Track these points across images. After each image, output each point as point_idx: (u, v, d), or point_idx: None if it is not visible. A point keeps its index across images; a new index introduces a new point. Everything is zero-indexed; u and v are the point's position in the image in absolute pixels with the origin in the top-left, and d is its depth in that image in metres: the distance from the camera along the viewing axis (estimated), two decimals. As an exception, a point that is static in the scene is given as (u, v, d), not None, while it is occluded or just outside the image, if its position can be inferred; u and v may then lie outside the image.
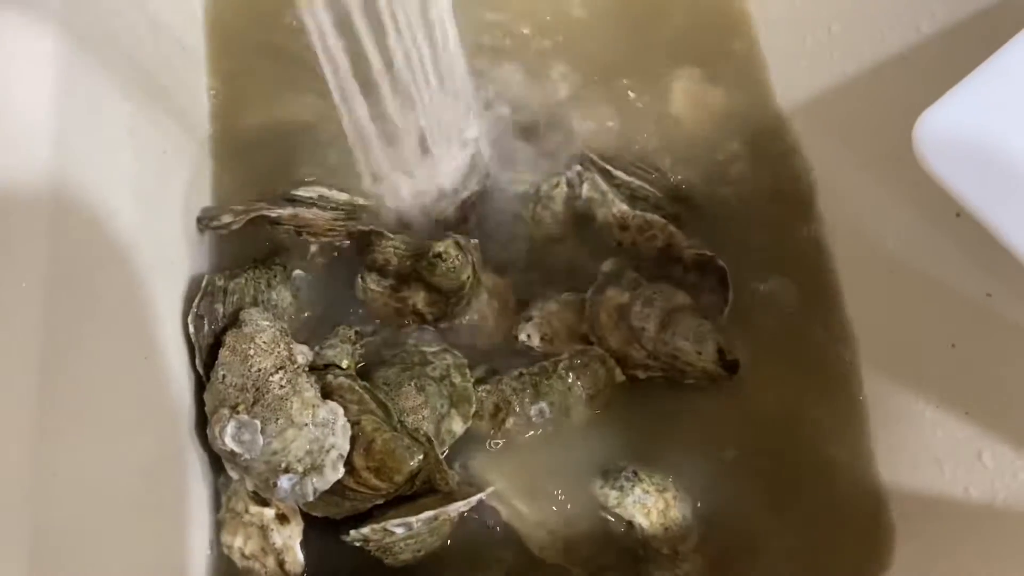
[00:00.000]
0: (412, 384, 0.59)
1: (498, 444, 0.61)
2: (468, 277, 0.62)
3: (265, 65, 0.73)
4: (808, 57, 0.71)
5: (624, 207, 0.68)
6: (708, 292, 0.68)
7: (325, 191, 0.66)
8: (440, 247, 0.61)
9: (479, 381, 0.62)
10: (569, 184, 0.70)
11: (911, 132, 0.55)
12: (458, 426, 0.59)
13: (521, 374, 0.62)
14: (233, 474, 0.55)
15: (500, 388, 0.62)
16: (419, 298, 0.63)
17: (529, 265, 0.69)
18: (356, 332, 0.62)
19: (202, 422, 0.57)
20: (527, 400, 0.62)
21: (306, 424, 0.53)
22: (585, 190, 0.69)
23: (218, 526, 0.57)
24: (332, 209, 0.65)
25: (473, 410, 0.60)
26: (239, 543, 0.55)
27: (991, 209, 0.37)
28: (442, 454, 0.58)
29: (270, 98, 0.72)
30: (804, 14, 0.72)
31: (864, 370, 0.65)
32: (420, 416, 0.58)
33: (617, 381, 0.64)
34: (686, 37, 0.79)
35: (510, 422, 0.61)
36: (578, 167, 0.70)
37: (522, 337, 0.65)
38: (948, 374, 0.58)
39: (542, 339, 0.65)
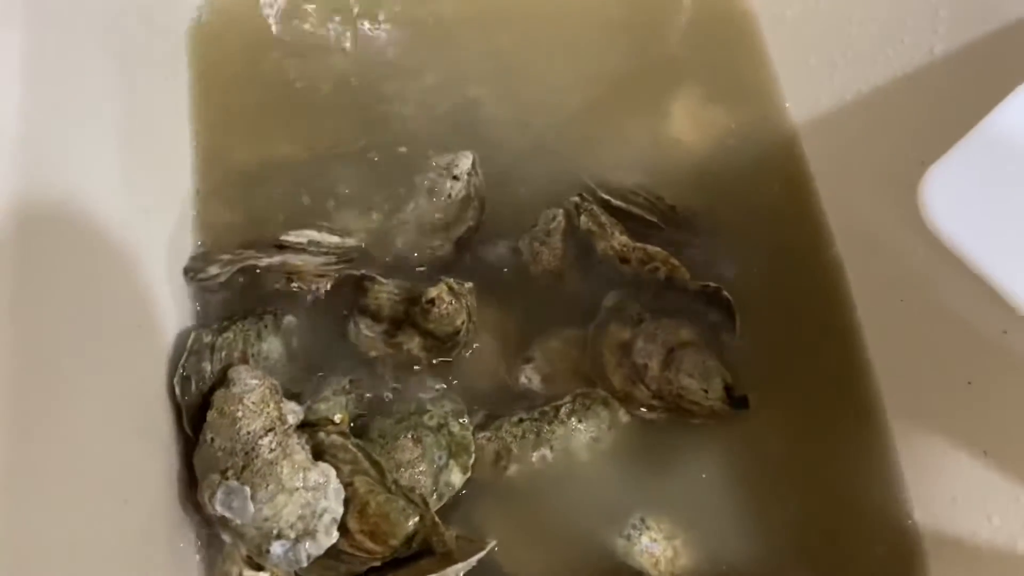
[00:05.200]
0: (408, 436, 0.57)
1: (499, 493, 0.59)
2: (463, 322, 0.60)
3: (252, 103, 0.71)
4: (814, 76, 0.69)
5: (624, 239, 0.66)
6: (714, 323, 0.65)
7: (315, 235, 0.64)
8: (433, 293, 0.59)
9: (478, 428, 0.60)
10: (567, 216, 0.67)
11: (914, 158, 0.53)
12: (457, 478, 0.58)
13: (522, 419, 0.60)
14: (226, 538, 0.53)
15: (500, 435, 0.60)
16: (414, 344, 0.61)
17: (528, 301, 0.66)
18: (350, 381, 0.61)
19: (194, 483, 0.55)
20: (529, 447, 0.60)
21: (297, 488, 0.51)
22: (583, 222, 0.67)
23: (212, 591, 0.55)
24: (323, 254, 0.63)
25: (472, 460, 0.58)
26: (233, 609, 0.53)
27: (1006, 275, 0.34)
28: (440, 506, 0.57)
29: (256, 136, 0.70)
30: (811, 32, 0.69)
31: (886, 405, 0.62)
32: (417, 470, 0.56)
33: (621, 422, 0.62)
34: (687, 55, 0.77)
35: (512, 470, 0.60)
36: (576, 198, 0.68)
37: (522, 379, 0.63)
38: (965, 412, 0.55)
39: (543, 380, 0.63)
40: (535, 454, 0.60)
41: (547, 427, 0.60)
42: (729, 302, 0.64)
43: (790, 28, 0.72)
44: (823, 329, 0.66)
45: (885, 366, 0.63)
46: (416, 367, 0.62)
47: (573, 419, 0.60)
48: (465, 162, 0.68)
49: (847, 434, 0.63)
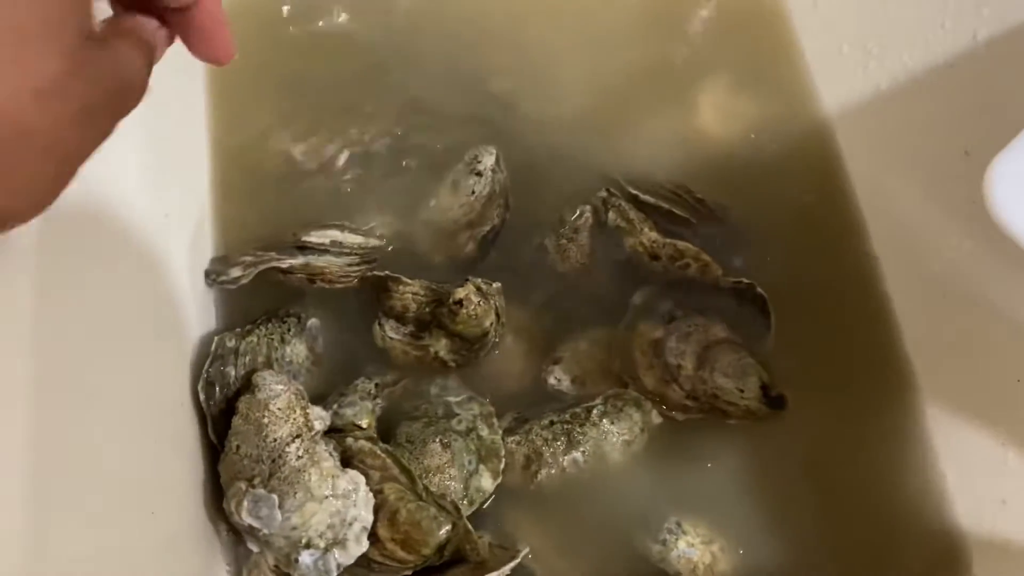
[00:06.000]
0: (437, 441, 0.56)
1: (531, 499, 0.58)
2: (492, 323, 0.58)
3: (269, 101, 0.70)
4: (848, 65, 0.67)
5: (654, 235, 0.64)
6: (748, 320, 0.63)
7: (338, 235, 0.62)
8: (460, 294, 0.57)
9: (508, 431, 0.59)
10: (594, 212, 0.66)
11: (956, 149, 0.51)
12: (488, 483, 0.56)
13: (552, 422, 0.59)
14: (253, 547, 0.52)
15: (530, 438, 0.58)
16: (441, 346, 0.59)
17: (556, 300, 0.65)
18: (376, 385, 0.59)
19: (219, 491, 0.54)
20: (560, 450, 0.58)
21: (326, 496, 0.50)
22: (611, 218, 0.65)
23: (240, 602, 0.54)
24: (346, 254, 0.62)
25: (503, 465, 0.57)
26: (262, 620, 0.52)
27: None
28: (471, 512, 0.55)
29: (274, 135, 0.68)
30: (844, 18, 0.67)
31: (926, 403, 0.60)
32: (447, 476, 0.55)
33: (654, 424, 0.60)
34: (714, 45, 0.75)
35: (543, 474, 0.58)
36: (603, 193, 0.66)
37: (551, 381, 0.61)
38: (1015, 411, 0.53)
39: (573, 381, 0.62)
40: (566, 458, 0.58)
41: (578, 429, 0.59)
42: (764, 299, 0.62)
43: (822, 14, 0.70)
44: (859, 326, 0.64)
45: (926, 364, 0.61)
46: (443, 369, 0.60)
47: (605, 421, 0.59)
48: (488, 158, 0.66)
49: (887, 434, 0.61)
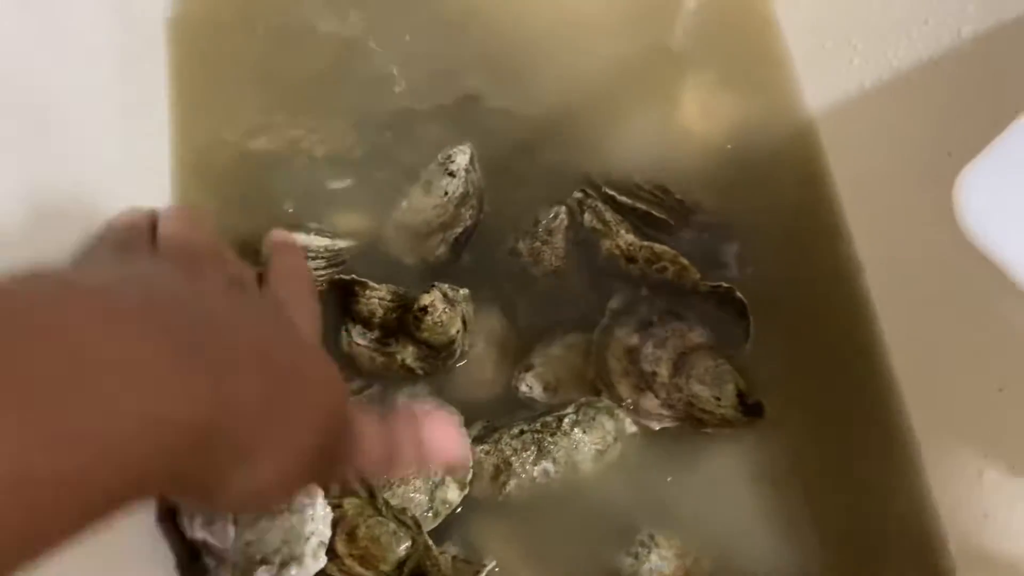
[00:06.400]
0: (402, 451, 0.54)
1: (499, 510, 0.56)
2: (458, 331, 0.56)
3: (233, 98, 0.68)
4: (832, 62, 0.65)
5: (630, 237, 0.62)
6: (727, 325, 0.62)
7: (303, 237, 0.61)
8: (425, 300, 0.55)
9: (477, 440, 0.57)
10: (570, 213, 0.64)
11: (941, 149, 0.49)
12: (454, 495, 0.54)
13: (522, 431, 0.57)
14: (208, 562, 0.51)
15: (500, 448, 0.57)
16: (407, 353, 0.58)
17: (529, 305, 0.63)
18: (341, 393, 0.57)
19: (175, 506, 0.52)
20: (530, 460, 0.57)
21: (281, 511, 0.48)
22: (587, 220, 0.63)
23: (196, 618, 0.52)
24: (312, 258, 0.60)
25: (470, 475, 0.55)
26: (217, 638, 0.51)
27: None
28: (436, 525, 0.54)
29: (239, 134, 0.66)
30: (828, 14, 0.65)
31: (910, 412, 0.58)
32: (411, 487, 0.53)
33: (628, 433, 0.58)
34: (696, 41, 0.73)
35: (512, 484, 0.56)
36: (579, 194, 0.64)
37: (523, 388, 0.59)
38: (997, 421, 0.52)
39: (545, 389, 0.60)
40: (536, 468, 0.56)
41: (549, 439, 0.57)
42: (743, 303, 0.60)
43: (805, 10, 0.68)
44: (841, 331, 0.62)
45: (907, 371, 0.60)
46: (411, 377, 0.59)
47: (576, 430, 0.57)
48: (462, 157, 0.64)
49: (869, 443, 0.59)
